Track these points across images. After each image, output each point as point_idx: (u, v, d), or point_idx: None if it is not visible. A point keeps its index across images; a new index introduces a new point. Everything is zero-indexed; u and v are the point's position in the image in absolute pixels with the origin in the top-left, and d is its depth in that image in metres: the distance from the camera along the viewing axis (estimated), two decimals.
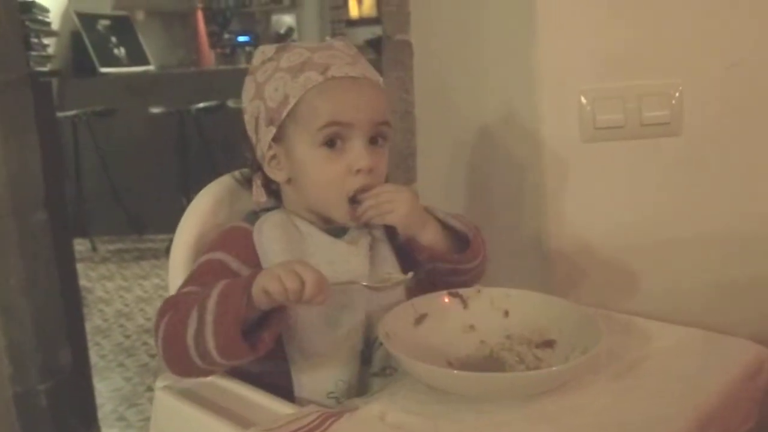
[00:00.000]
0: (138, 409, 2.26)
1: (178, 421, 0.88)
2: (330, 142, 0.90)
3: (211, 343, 0.78)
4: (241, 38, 6.74)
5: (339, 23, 6.68)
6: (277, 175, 0.95)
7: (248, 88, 0.96)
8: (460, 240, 0.97)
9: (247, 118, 0.96)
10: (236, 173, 1.05)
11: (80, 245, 3.99)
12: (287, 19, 6.91)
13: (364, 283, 0.89)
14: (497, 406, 0.77)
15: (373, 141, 0.92)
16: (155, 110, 3.98)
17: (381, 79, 0.97)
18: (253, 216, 0.96)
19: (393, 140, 0.97)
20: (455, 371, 0.82)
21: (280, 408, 0.81)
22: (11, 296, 1.52)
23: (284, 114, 0.90)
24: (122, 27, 5.00)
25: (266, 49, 0.96)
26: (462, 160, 1.35)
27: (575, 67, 1.15)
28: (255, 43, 6.39)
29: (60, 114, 3.72)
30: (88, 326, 2.57)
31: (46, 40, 4.31)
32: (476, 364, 0.87)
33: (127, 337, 2.87)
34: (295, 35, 6.76)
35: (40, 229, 1.58)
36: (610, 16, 1.13)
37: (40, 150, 1.58)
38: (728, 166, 1.14)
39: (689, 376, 0.83)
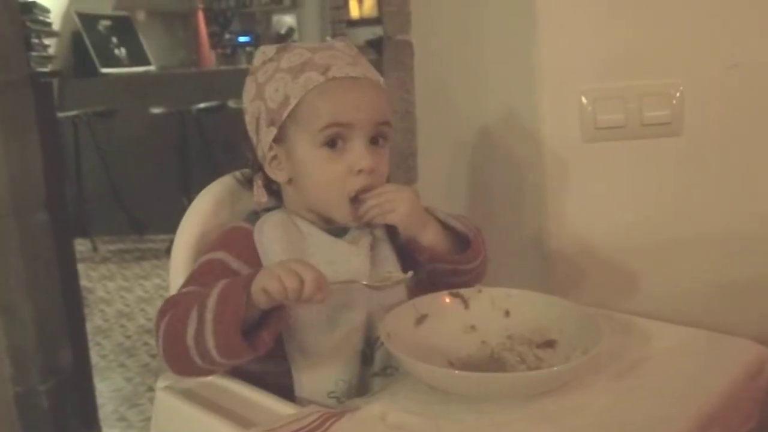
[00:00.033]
0: (139, 409, 2.26)
1: (179, 422, 0.88)
2: (331, 143, 0.90)
3: (210, 342, 0.79)
4: (242, 38, 6.74)
5: (340, 23, 6.68)
6: (278, 175, 0.95)
7: (249, 88, 0.96)
8: (461, 240, 0.97)
9: (247, 118, 0.96)
10: (237, 173, 1.05)
11: (81, 245, 3.99)
12: (288, 20, 6.91)
13: (364, 282, 0.89)
14: (498, 406, 0.77)
15: (374, 141, 0.92)
16: (156, 110, 3.98)
17: (381, 79, 0.97)
18: (254, 216, 0.96)
19: (394, 140, 0.97)
20: (456, 371, 0.82)
21: (281, 408, 0.81)
22: (12, 296, 1.52)
23: (285, 115, 0.90)
24: (123, 27, 5.00)
25: (267, 50, 0.96)
26: (463, 160, 1.35)
27: (576, 67, 1.15)
28: (256, 43, 6.39)
29: (61, 114, 3.72)
30: (89, 326, 2.57)
31: (46, 41, 4.32)
32: (477, 365, 0.87)
33: (128, 337, 2.87)
34: (295, 36, 6.75)
35: (41, 229, 1.58)
36: (611, 16, 1.13)
37: (41, 150, 1.59)
38: (729, 166, 1.14)
39: (690, 376, 0.83)
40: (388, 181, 0.96)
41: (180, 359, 0.83)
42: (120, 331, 2.93)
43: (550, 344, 0.87)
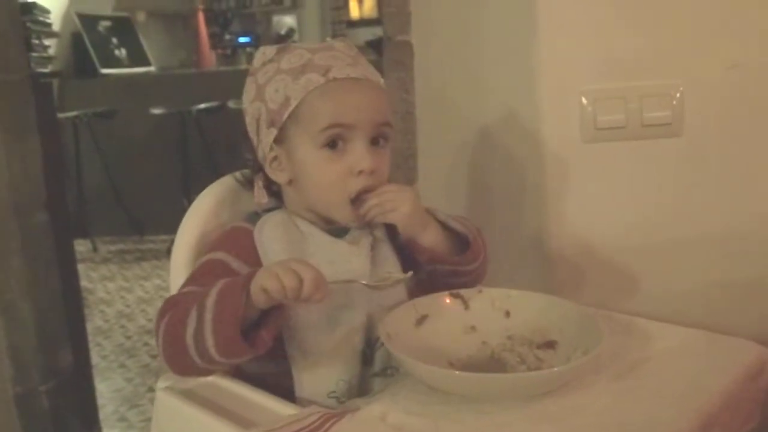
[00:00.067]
0: (139, 409, 2.26)
1: (179, 422, 0.88)
2: (332, 144, 0.90)
3: (210, 341, 0.79)
4: (242, 39, 6.74)
5: (340, 24, 6.68)
6: (279, 176, 0.95)
7: (249, 89, 0.96)
8: (461, 242, 0.97)
9: (248, 119, 0.96)
10: (237, 174, 1.05)
11: (81, 246, 3.99)
12: (288, 20, 6.91)
13: (363, 282, 0.89)
14: (498, 406, 0.77)
15: (374, 142, 0.92)
16: (156, 111, 3.98)
17: (382, 80, 0.97)
18: (255, 216, 0.96)
19: (394, 141, 0.97)
20: (456, 372, 0.82)
21: (282, 408, 0.81)
22: (12, 297, 1.52)
23: (285, 116, 0.90)
24: (123, 28, 5.00)
25: (267, 50, 0.96)
26: (463, 160, 1.35)
27: (576, 67, 1.15)
28: (256, 44, 6.39)
29: (61, 115, 3.73)
30: (90, 327, 2.57)
31: (47, 42, 4.31)
32: (477, 365, 0.87)
33: (129, 337, 2.87)
34: (295, 36, 6.76)
35: (41, 230, 1.58)
36: (611, 16, 1.13)
37: (41, 151, 1.58)
38: (729, 166, 1.14)
39: (691, 376, 0.83)
40: (388, 181, 0.96)
41: (179, 359, 0.83)
42: (120, 332, 2.93)
43: (550, 345, 0.87)
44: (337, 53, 0.93)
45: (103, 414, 2.09)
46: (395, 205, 0.91)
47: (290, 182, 0.95)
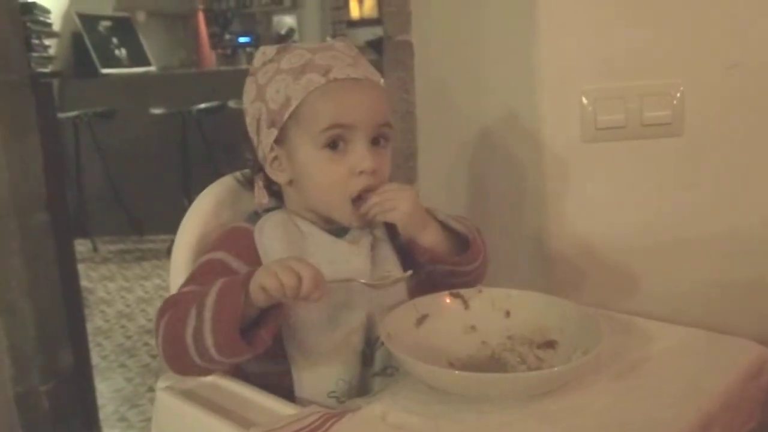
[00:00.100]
0: (139, 409, 2.26)
1: (179, 422, 0.88)
2: (332, 144, 0.90)
3: (209, 340, 0.79)
4: (242, 39, 6.74)
5: (340, 24, 6.68)
6: (279, 176, 0.95)
7: (249, 89, 0.96)
8: (461, 242, 0.97)
9: (248, 119, 0.96)
10: (237, 174, 1.05)
11: (81, 246, 3.99)
12: (288, 20, 6.91)
13: (362, 281, 0.89)
14: (498, 406, 0.77)
15: (375, 142, 0.92)
16: (156, 111, 3.98)
17: (382, 80, 0.97)
18: (255, 216, 0.96)
19: (394, 141, 0.97)
20: (457, 372, 0.82)
21: (282, 408, 0.81)
22: (12, 297, 1.52)
23: (286, 116, 0.90)
24: (123, 28, 5.00)
25: (267, 50, 0.96)
26: (463, 160, 1.35)
27: (576, 67, 1.15)
28: (256, 44, 6.39)
29: (61, 115, 3.73)
30: (90, 327, 2.57)
31: (47, 41, 4.32)
32: (478, 365, 0.87)
33: (129, 337, 2.87)
34: (296, 36, 6.76)
35: (42, 230, 1.58)
36: (612, 16, 1.13)
37: (41, 151, 1.58)
38: (729, 166, 1.14)
39: (691, 376, 0.83)
40: (389, 181, 0.96)
41: (179, 358, 0.83)
42: (120, 332, 2.93)
43: (550, 344, 0.87)
44: (338, 53, 0.93)
45: (103, 414, 2.09)
46: (395, 204, 0.91)
47: (291, 182, 0.95)
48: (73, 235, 2.08)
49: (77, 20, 4.59)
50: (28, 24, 3.97)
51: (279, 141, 0.93)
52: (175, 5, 5.93)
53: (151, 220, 4.23)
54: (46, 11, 4.24)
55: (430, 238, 0.95)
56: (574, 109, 1.15)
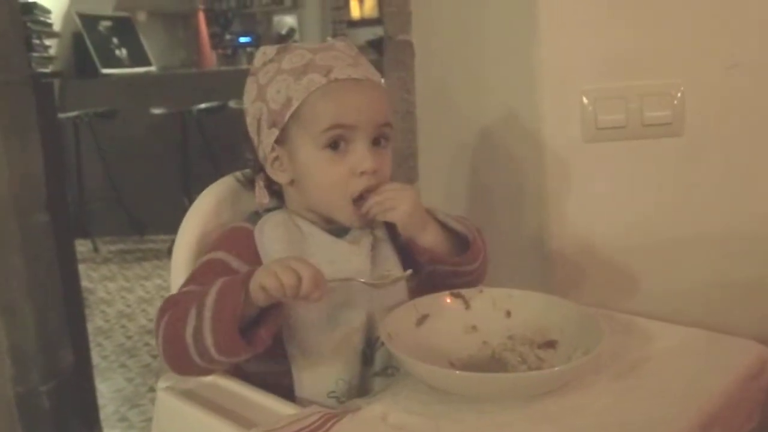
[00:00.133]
0: (140, 409, 2.26)
1: (180, 422, 0.88)
2: (333, 145, 0.90)
3: (209, 340, 0.79)
4: (243, 39, 6.73)
5: (340, 24, 6.67)
6: (280, 176, 0.95)
7: (250, 89, 0.96)
8: (461, 242, 0.97)
9: (248, 119, 0.96)
10: (238, 174, 1.05)
11: (82, 246, 3.99)
12: (289, 20, 6.91)
13: (362, 280, 0.89)
14: (499, 406, 0.77)
15: (375, 142, 0.92)
16: (157, 111, 3.98)
17: (382, 80, 0.97)
18: (255, 216, 0.96)
19: (394, 140, 0.97)
20: (457, 372, 0.82)
21: (282, 408, 0.81)
22: (13, 297, 1.52)
23: (287, 116, 0.90)
24: (124, 28, 5.00)
25: (267, 50, 0.96)
26: (463, 160, 1.35)
27: (577, 67, 1.15)
28: (256, 44, 6.39)
29: (62, 115, 3.73)
30: (90, 327, 2.57)
31: (47, 42, 4.32)
32: (478, 365, 0.87)
33: (129, 337, 2.87)
34: (296, 36, 6.76)
35: (42, 230, 1.58)
36: (612, 16, 1.13)
37: (42, 151, 1.58)
38: (729, 166, 1.14)
39: (691, 376, 0.83)
40: (390, 181, 0.96)
41: (179, 358, 0.83)
42: (121, 332, 2.93)
43: (551, 344, 0.87)
44: (338, 53, 0.93)
45: (103, 414, 2.09)
46: (395, 203, 0.91)
47: (291, 182, 0.95)
48: (73, 235, 2.08)
49: (77, 20, 4.59)
50: (29, 24, 3.97)
51: (280, 141, 0.93)
52: (176, 5, 5.92)
53: (151, 220, 4.23)
54: (46, 11, 4.25)
55: (429, 238, 0.95)
56: (575, 109, 1.15)
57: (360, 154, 0.90)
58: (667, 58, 1.13)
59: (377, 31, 4.24)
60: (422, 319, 0.90)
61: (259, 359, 0.83)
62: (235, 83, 1.10)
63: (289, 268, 0.77)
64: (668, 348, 0.90)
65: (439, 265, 0.95)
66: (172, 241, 1.04)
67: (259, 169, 0.97)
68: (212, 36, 6.30)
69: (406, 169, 1.46)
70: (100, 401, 2.07)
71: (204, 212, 1.02)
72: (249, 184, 1.02)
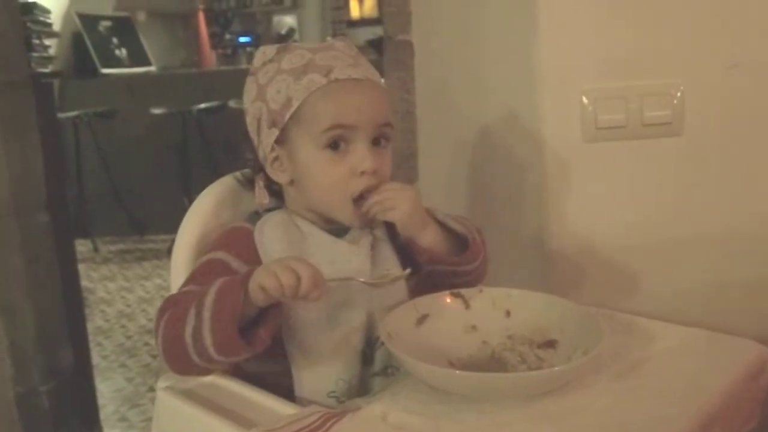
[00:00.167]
0: (140, 409, 2.26)
1: (180, 422, 0.88)
2: (333, 145, 0.90)
3: (208, 339, 0.79)
4: (243, 39, 6.74)
5: (340, 24, 6.67)
6: (280, 176, 0.95)
7: (249, 89, 0.96)
8: (460, 242, 0.97)
9: (248, 119, 0.96)
10: (238, 174, 1.05)
11: (82, 246, 3.99)
12: (288, 20, 6.91)
13: (361, 279, 0.89)
14: (499, 406, 0.77)
15: (375, 142, 0.92)
16: (157, 111, 3.98)
17: (382, 80, 0.97)
18: (255, 216, 0.96)
19: (394, 140, 0.97)
20: (457, 371, 0.82)
21: (282, 408, 0.81)
22: (13, 297, 1.52)
23: (287, 116, 0.90)
24: (123, 28, 5.00)
25: (267, 50, 0.96)
26: (463, 160, 1.35)
27: (577, 67, 1.15)
28: (256, 43, 6.39)
29: (61, 115, 3.73)
30: (90, 327, 2.57)
31: (47, 41, 4.32)
32: (478, 365, 0.87)
33: (129, 337, 2.87)
34: (296, 36, 6.76)
35: (42, 230, 1.58)
36: (612, 16, 1.13)
37: (42, 151, 1.58)
38: (729, 166, 1.14)
39: (691, 376, 0.83)
40: (390, 180, 0.96)
41: (178, 357, 0.83)
42: (121, 332, 2.93)
43: (550, 344, 0.87)
44: (338, 53, 0.93)
45: (103, 414, 2.09)
46: (395, 203, 0.91)
47: (291, 182, 0.95)
48: (73, 235, 2.08)
49: (77, 20, 4.59)
50: (28, 24, 3.97)
51: (280, 141, 0.93)
52: (176, 5, 5.92)
53: (151, 219, 4.23)
54: (46, 11, 4.24)
55: (429, 238, 0.95)
56: (575, 108, 1.15)
57: (360, 154, 0.90)
58: (667, 58, 1.13)
59: (377, 31, 4.24)
60: (422, 319, 0.90)
61: (258, 359, 0.83)
62: (235, 83, 1.10)
63: (288, 268, 0.77)
64: (668, 348, 0.90)
65: (439, 265, 0.95)
66: (172, 241, 1.04)
67: (259, 169, 0.97)
68: (212, 36, 6.30)
69: (406, 169, 1.46)
70: (100, 401, 2.07)
71: (204, 212, 1.02)
72: (249, 184, 1.02)
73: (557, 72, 1.16)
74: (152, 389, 2.31)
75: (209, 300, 0.79)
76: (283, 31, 6.80)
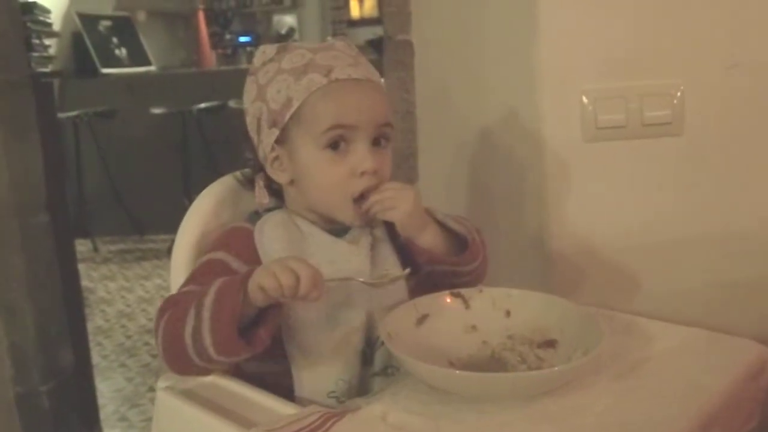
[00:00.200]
0: (140, 409, 2.26)
1: (179, 422, 0.88)
2: (334, 145, 0.90)
3: (208, 340, 0.79)
4: (243, 39, 6.74)
5: (340, 23, 6.68)
6: (280, 176, 0.95)
7: (250, 89, 0.96)
8: (460, 242, 0.97)
9: (248, 119, 0.96)
10: (238, 173, 1.05)
11: (82, 246, 3.99)
12: (288, 20, 6.91)
13: (361, 279, 0.89)
14: (499, 406, 0.77)
15: (376, 142, 0.92)
16: (156, 111, 3.98)
17: (381, 80, 0.97)
18: (255, 216, 0.96)
19: (395, 141, 0.97)
20: (457, 371, 0.82)
21: (282, 408, 0.81)
22: (13, 297, 1.52)
23: (287, 116, 0.90)
24: (123, 28, 5.00)
25: (267, 49, 0.96)
26: (463, 160, 1.35)
27: (577, 66, 1.15)
28: (256, 43, 6.39)
29: (61, 115, 3.73)
30: (90, 327, 2.58)
31: (47, 41, 4.32)
32: (478, 365, 0.87)
33: (129, 337, 2.87)
34: (296, 35, 6.76)
35: (42, 230, 1.58)
36: (611, 16, 1.13)
37: (42, 151, 1.58)
38: (730, 166, 1.14)
39: (691, 376, 0.83)
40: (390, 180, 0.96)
41: (178, 357, 0.83)
42: (121, 332, 2.93)
43: (550, 344, 0.87)
44: (338, 53, 0.93)
45: (103, 414, 2.09)
46: (395, 203, 0.91)
47: (291, 182, 0.95)
48: (73, 235, 2.08)
49: (77, 20, 4.59)
50: (28, 24, 3.97)
51: (280, 141, 0.92)
52: (176, 5, 5.92)
53: (151, 220, 4.23)
54: (46, 11, 4.24)
55: (428, 238, 0.95)
56: (575, 108, 1.15)
57: (360, 155, 0.90)
58: (667, 58, 1.13)
59: (377, 31, 4.24)
60: (422, 319, 0.90)
61: (258, 359, 0.83)
62: (235, 83, 1.10)
63: (288, 268, 0.77)
64: (668, 348, 0.90)
65: (438, 265, 0.95)
66: (172, 241, 1.04)
67: (259, 168, 0.97)
68: (212, 36, 6.30)
69: (406, 169, 1.46)
70: (100, 401, 2.07)
71: (204, 212, 1.02)
72: (249, 184, 1.01)
73: (557, 72, 1.16)
74: (152, 389, 2.31)
75: (209, 300, 0.79)
76: (283, 31, 6.80)
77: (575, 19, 1.14)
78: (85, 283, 3.20)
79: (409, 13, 1.43)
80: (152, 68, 5.01)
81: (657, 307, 1.08)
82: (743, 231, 1.15)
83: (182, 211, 1.03)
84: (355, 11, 6.78)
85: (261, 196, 0.97)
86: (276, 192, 0.99)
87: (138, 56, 4.97)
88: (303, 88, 0.89)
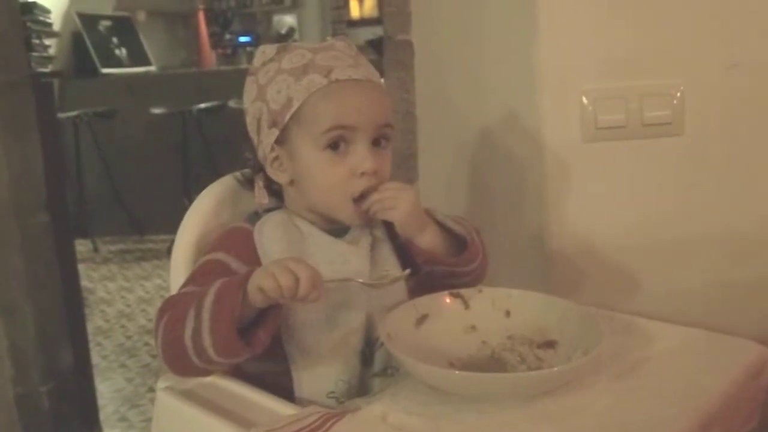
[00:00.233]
0: (140, 409, 2.26)
1: (179, 422, 0.88)
2: (334, 145, 0.90)
3: (207, 341, 0.79)
4: (243, 39, 6.74)
5: (340, 23, 6.67)
6: (280, 177, 0.95)
7: (250, 89, 0.95)
8: (459, 242, 0.97)
9: (248, 119, 0.96)
10: (238, 174, 1.05)
11: (82, 246, 3.99)
12: (288, 20, 6.91)
13: (360, 280, 0.89)
14: (499, 406, 0.77)
15: (376, 143, 0.92)
16: (156, 111, 3.98)
17: (381, 80, 0.97)
18: (255, 216, 0.96)
19: (395, 141, 0.97)
20: (457, 372, 0.82)
21: (282, 408, 0.81)
22: (13, 297, 1.52)
23: (287, 117, 0.90)
24: (123, 28, 5.00)
25: (267, 49, 0.96)
26: (463, 160, 1.35)
27: (577, 67, 1.15)
28: (256, 43, 6.38)
29: (61, 115, 3.73)
30: (90, 327, 2.58)
31: (47, 41, 4.32)
32: (478, 365, 0.87)
33: (129, 337, 2.87)
34: (296, 36, 6.76)
35: (42, 230, 1.58)
36: (612, 16, 1.13)
37: (42, 151, 1.58)
38: (730, 166, 1.14)
39: (691, 376, 0.83)
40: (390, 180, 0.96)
41: (178, 358, 0.83)
42: (121, 332, 2.93)
43: (550, 344, 0.87)
44: (339, 53, 0.93)
45: (103, 414, 2.09)
46: (395, 203, 0.91)
47: (291, 183, 0.95)
48: (73, 235, 2.08)
49: (77, 20, 4.59)
50: (28, 24, 3.97)
51: (280, 141, 0.92)
52: (176, 5, 5.92)
53: (151, 220, 4.23)
54: (46, 11, 4.24)
55: (427, 239, 0.95)
56: (575, 109, 1.15)
57: (360, 155, 0.90)
58: (667, 58, 1.13)
59: (377, 31, 4.24)
60: (422, 319, 0.90)
61: (258, 360, 0.83)
62: (235, 83, 1.10)
63: (287, 269, 0.77)
64: (668, 348, 0.90)
65: (438, 266, 0.95)
66: (172, 241, 1.04)
67: (259, 169, 0.97)
68: (212, 36, 6.30)
69: (406, 169, 1.46)
70: (100, 401, 2.07)
71: (204, 212, 1.02)
72: (248, 184, 1.01)
73: (557, 72, 1.16)
74: (152, 389, 2.31)
75: (208, 301, 0.79)
76: (283, 31, 6.80)
77: (575, 19, 1.14)
78: (84, 283, 3.20)
79: (409, 13, 1.43)
80: (152, 68, 5.01)
81: (657, 307, 1.08)
82: (743, 231, 1.15)
83: (182, 211, 1.03)
84: (355, 11, 6.77)
85: (260, 196, 0.97)
86: (276, 192, 0.99)
87: (138, 56, 4.97)
88: (303, 89, 0.89)
